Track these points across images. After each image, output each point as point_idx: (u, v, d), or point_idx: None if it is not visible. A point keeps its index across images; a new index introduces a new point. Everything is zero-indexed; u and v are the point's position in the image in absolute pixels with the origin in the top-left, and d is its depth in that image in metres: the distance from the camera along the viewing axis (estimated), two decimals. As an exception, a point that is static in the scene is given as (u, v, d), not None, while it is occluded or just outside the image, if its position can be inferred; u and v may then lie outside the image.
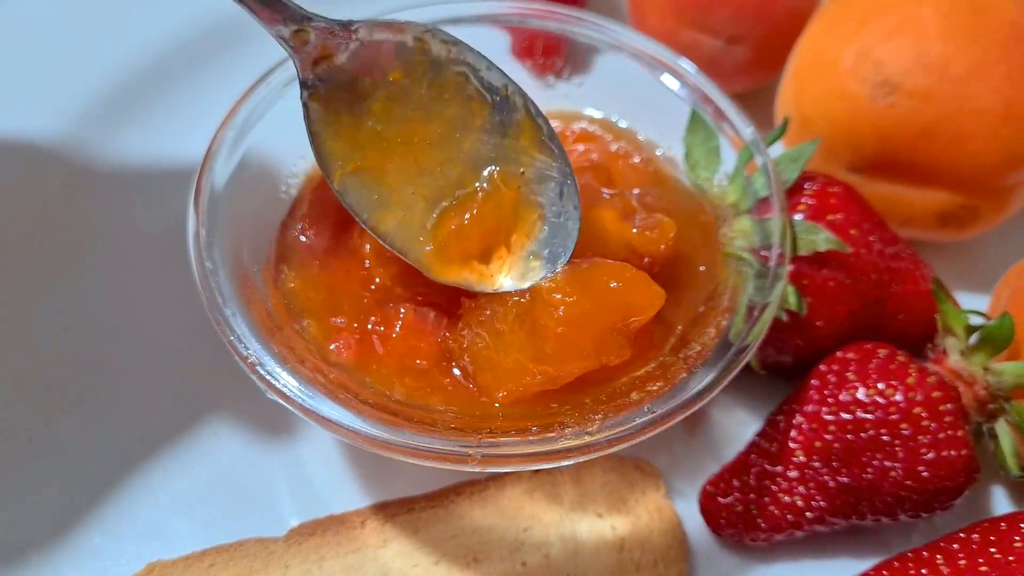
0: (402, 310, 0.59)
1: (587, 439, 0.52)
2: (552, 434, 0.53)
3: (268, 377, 0.54)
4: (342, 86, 0.58)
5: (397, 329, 0.59)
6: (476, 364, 0.57)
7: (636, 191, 0.65)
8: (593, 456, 0.53)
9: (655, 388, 0.56)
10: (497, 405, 0.56)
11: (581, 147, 0.69)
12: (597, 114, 0.73)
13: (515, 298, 0.57)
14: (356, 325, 0.60)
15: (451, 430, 0.54)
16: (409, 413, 0.56)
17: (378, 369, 0.58)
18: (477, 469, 0.52)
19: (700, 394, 0.54)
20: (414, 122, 0.59)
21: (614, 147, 0.70)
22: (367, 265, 0.61)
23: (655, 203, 0.65)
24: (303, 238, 0.63)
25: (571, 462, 0.53)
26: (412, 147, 0.59)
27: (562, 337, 0.54)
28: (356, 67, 0.58)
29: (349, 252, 0.63)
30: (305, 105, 0.57)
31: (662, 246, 0.60)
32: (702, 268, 0.63)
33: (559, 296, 0.55)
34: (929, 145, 0.69)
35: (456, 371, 0.58)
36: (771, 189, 0.63)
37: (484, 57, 0.58)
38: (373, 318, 0.60)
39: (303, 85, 0.57)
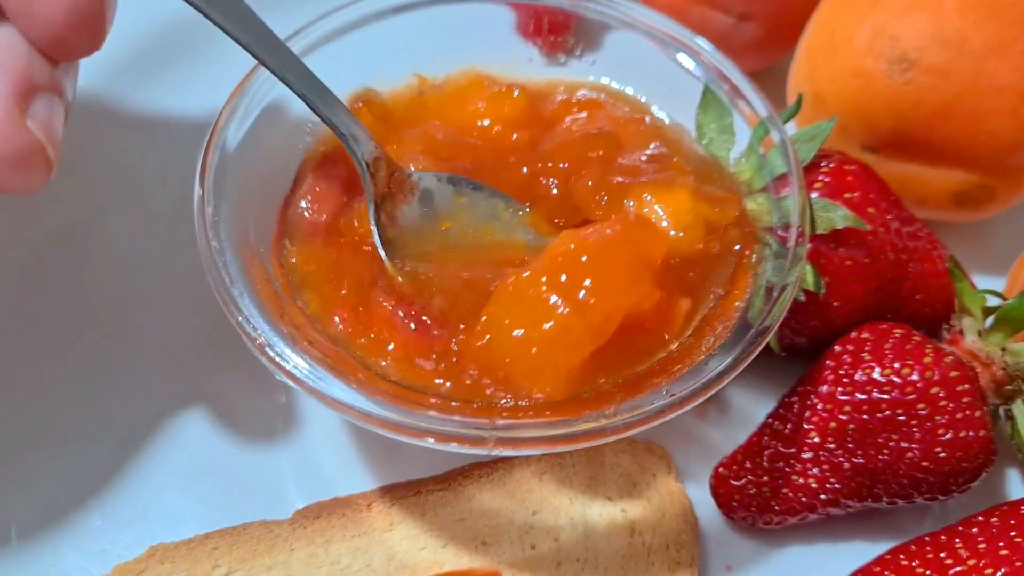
0: (408, 293, 0.58)
1: (604, 422, 0.51)
2: (569, 417, 0.52)
3: (277, 358, 0.52)
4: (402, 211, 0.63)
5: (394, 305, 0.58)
6: (505, 351, 0.55)
7: (654, 145, 0.65)
8: (611, 439, 0.52)
9: (674, 370, 0.55)
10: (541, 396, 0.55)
11: (585, 114, 0.68)
12: (602, 81, 0.71)
13: (525, 273, 0.55)
14: (357, 301, 0.58)
15: (465, 412, 0.53)
16: (418, 396, 0.55)
17: (377, 347, 0.57)
18: (493, 452, 0.51)
19: (719, 376, 0.53)
20: (458, 243, 0.62)
21: (622, 112, 0.68)
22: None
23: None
24: (305, 214, 0.62)
25: (588, 445, 0.52)
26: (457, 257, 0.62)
27: (592, 271, 0.54)
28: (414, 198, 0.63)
29: (351, 225, 0.62)
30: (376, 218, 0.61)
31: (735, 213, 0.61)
32: (736, 247, 0.62)
33: (572, 244, 0.55)
34: (946, 123, 0.68)
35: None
36: (789, 166, 0.61)
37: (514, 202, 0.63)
38: (375, 294, 0.58)
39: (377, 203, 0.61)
